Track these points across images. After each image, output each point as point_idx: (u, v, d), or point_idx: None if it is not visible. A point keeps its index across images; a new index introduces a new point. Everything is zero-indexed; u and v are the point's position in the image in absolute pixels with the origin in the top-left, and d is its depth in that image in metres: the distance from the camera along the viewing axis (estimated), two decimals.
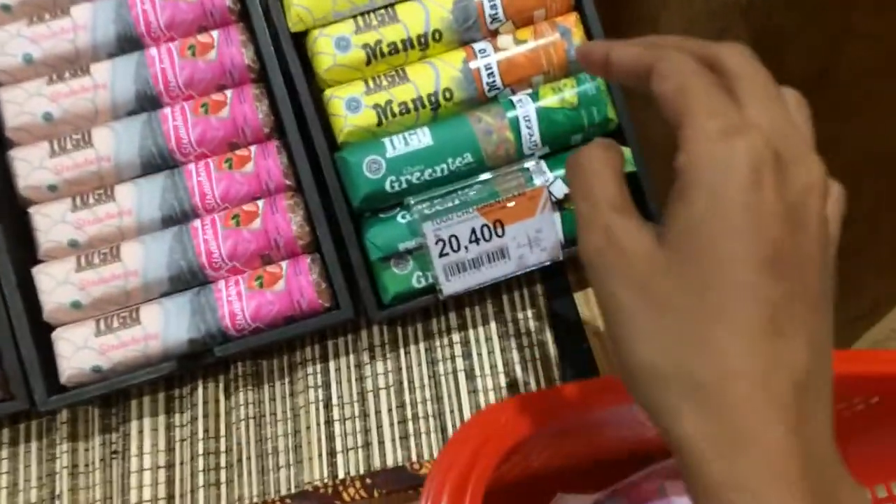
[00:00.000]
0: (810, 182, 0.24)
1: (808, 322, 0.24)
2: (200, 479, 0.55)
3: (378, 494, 0.54)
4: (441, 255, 0.51)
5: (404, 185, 0.52)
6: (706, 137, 0.23)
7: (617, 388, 0.33)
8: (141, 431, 0.56)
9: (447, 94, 0.53)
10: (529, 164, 0.52)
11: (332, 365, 0.58)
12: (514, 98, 0.54)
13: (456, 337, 0.58)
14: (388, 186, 0.52)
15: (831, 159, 0.26)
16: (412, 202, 0.51)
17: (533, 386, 0.56)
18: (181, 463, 0.56)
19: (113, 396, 0.57)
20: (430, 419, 0.55)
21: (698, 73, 0.25)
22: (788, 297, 0.23)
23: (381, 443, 0.55)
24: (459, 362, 0.57)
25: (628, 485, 0.47)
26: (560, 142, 0.54)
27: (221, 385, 0.58)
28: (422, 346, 0.58)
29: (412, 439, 0.55)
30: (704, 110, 0.24)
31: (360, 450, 0.55)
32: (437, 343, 0.58)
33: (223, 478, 0.55)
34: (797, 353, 0.23)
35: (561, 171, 0.53)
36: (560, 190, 0.53)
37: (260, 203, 0.54)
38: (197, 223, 0.54)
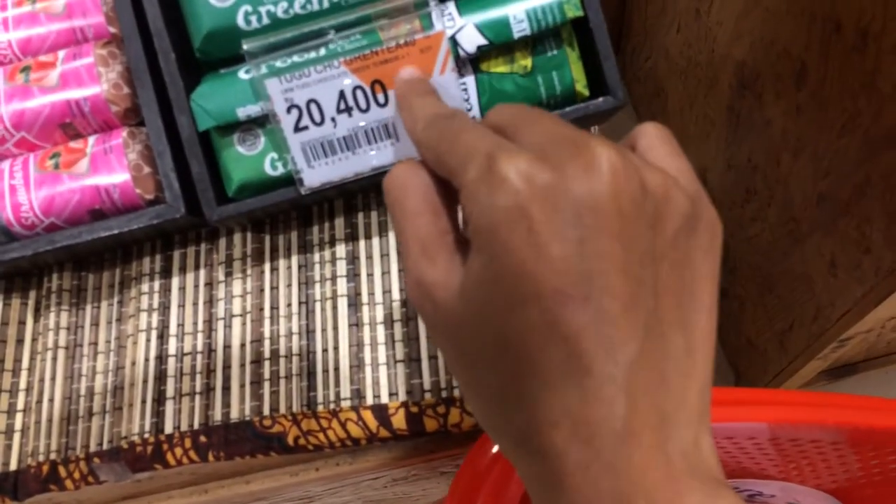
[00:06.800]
0: (599, 189, 0.20)
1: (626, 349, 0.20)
2: None
3: (213, 459, 0.40)
4: (297, 128, 0.36)
5: (266, 22, 0.37)
6: (467, 193, 0.22)
7: None
8: None
9: None
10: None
11: (175, 282, 0.43)
12: None
13: (341, 250, 0.43)
14: (241, 21, 0.36)
15: None
16: (248, 47, 0.35)
17: None
18: None
19: None
20: (295, 359, 0.41)
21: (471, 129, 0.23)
22: (592, 329, 0.20)
23: (227, 388, 0.41)
24: (342, 285, 0.42)
25: None
26: None
27: (31, 302, 0.44)
28: (294, 261, 0.43)
29: (267, 386, 0.40)
30: (463, 162, 0.22)
31: (197, 396, 0.41)
32: (316, 258, 0.43)
33: (17, 424, 0.42)
34: (610, 395, 0.20)
35: (479, 16, 0.37)
36: (472, 42, 0.36)
37: (60, 53, 0.39)
38: None
